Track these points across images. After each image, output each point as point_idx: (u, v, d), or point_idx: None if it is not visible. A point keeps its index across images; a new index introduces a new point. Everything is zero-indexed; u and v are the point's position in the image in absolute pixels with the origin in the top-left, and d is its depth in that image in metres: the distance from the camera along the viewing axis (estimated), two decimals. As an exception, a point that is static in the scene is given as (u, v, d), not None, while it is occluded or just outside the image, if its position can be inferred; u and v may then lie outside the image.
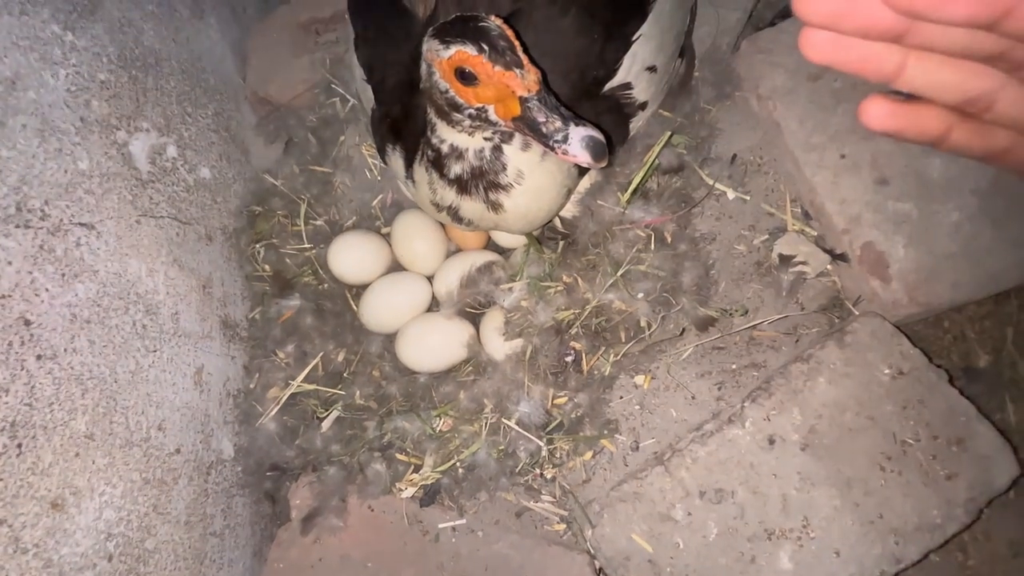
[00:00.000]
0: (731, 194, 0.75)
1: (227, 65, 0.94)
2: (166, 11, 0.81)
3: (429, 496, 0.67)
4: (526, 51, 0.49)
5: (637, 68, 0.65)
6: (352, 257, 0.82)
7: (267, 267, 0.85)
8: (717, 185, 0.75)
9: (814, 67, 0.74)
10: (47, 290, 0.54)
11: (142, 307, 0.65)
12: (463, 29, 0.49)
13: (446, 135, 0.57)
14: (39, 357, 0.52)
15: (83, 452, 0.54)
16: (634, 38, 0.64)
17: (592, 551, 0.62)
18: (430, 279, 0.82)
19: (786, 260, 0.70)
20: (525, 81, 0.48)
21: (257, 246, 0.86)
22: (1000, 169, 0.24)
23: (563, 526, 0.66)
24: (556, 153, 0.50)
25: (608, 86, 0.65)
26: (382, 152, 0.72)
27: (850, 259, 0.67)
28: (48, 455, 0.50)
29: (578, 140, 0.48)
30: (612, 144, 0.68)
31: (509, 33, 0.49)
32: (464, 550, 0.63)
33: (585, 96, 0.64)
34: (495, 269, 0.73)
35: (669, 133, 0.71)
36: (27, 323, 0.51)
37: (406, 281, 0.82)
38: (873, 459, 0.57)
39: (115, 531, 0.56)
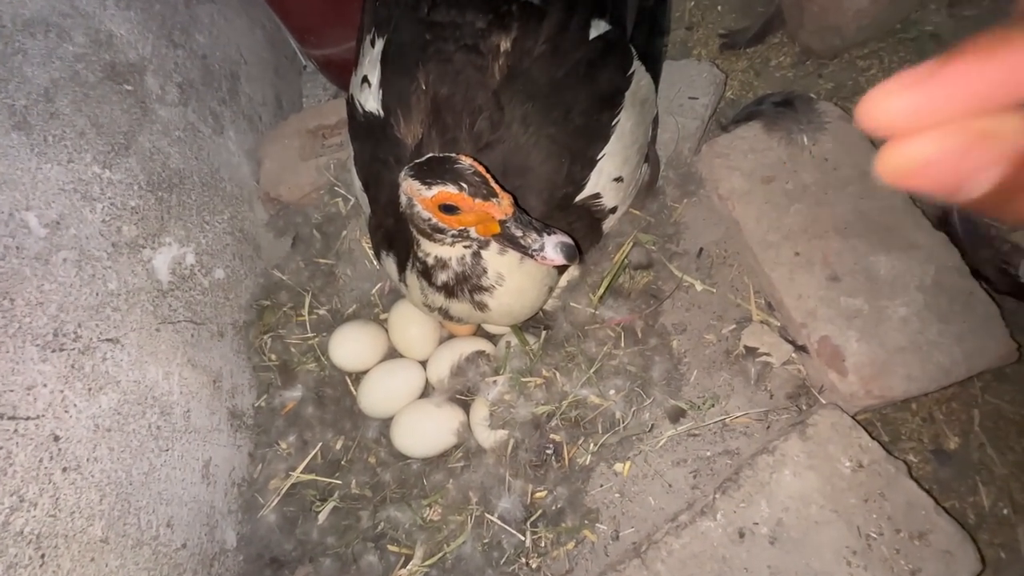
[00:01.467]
0: (699, 286, 0.81)
1: (243, 171, 1.05)
2: (190, 134, 0.92)
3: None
4: (496, 181, 0.57)
5: (604, 180, 0.73)
6: (351, 347, 0.88)
7: (273, 356, 0.92)
8: (685, 277, 0.81)
9: (768, 170, 0.82)
10: (75, 406, 0.60)
11: (157, 409, 0.71)
12: (441, 171, 0.57)
13: (430, 249, 0.64)
14: (64, 470, 0.58)
15: (98, 556, 0.58)
16: (599, 157, 0.72)
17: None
18: (425, 363, 0.88)
19: (752, 351, 0.75)
20: (501, 207, 0.56)
21: (264, 337, 0.93)
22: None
23: (549, 617, 0.68)
24: (536, 259, 0.57)
25: (579, 198, 0.73)
26: (377, 256, 0.80)
27: (810, 351, 0.71)
28: (67, 562, 0.55)
29: (552, 247, 0.56)
30: (584, 246, 0.75)
31: (480, 169, 0.57)
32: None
33: (558, 208, 0.71)
34: (481, 362, 0.78)
35: (632, 237, 0.77)
36: (56, 439, 0.58)
37: (402, 367, 0.88)
38: (839, 553, 0.60)
39: (123, 632, 0.60)
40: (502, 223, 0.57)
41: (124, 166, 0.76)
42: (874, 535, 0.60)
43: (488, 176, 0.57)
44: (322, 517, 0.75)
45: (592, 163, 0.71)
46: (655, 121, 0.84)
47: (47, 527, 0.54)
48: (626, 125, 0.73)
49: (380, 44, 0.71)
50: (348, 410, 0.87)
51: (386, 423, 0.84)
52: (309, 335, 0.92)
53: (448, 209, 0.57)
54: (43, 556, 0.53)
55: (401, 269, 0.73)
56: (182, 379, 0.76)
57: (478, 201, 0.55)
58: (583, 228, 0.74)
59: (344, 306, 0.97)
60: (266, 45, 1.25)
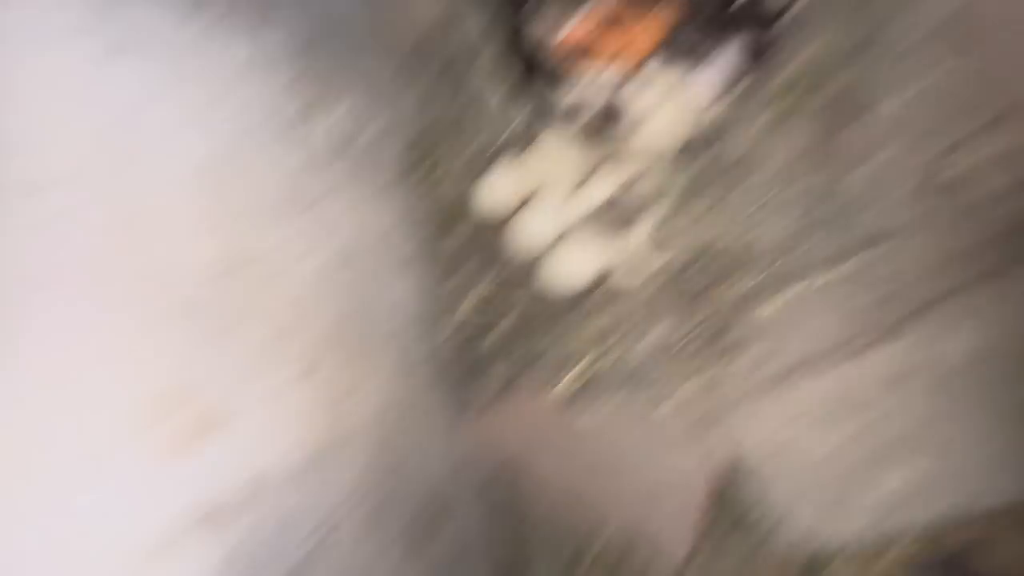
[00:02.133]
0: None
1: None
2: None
3: (574, 396, 0.87)
4: None
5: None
6: (500, 186, 0.93)
7: (433, 201, 1.01)
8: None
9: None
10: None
11: (352, 258, 0.87)
12: None
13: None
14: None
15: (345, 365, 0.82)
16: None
17: (717, 450, 0.76)
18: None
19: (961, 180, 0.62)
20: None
21: (428, 179, 1.01)
22: None
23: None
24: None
25: None
26: (518, 99, 0.75)
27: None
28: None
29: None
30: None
31: None
32: (604, 440, 0.84)
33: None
34: (633, 191, 0.77)
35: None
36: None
37: (549, 202, 0.90)
38: (1004, 408, 0.58)
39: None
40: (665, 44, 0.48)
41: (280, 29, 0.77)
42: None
43: None
44: (490, 342, 0.92)
45: None
46: None
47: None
48: None
49: None
50: (501, 249, 0.96)
51: (537, 260, 0.92)
52: (463, 178, 0.98)
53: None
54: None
55: (544, 115, 0.70)
56: (365, 229, 0.90)
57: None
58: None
59: (490, 143, 0.98)
60: None
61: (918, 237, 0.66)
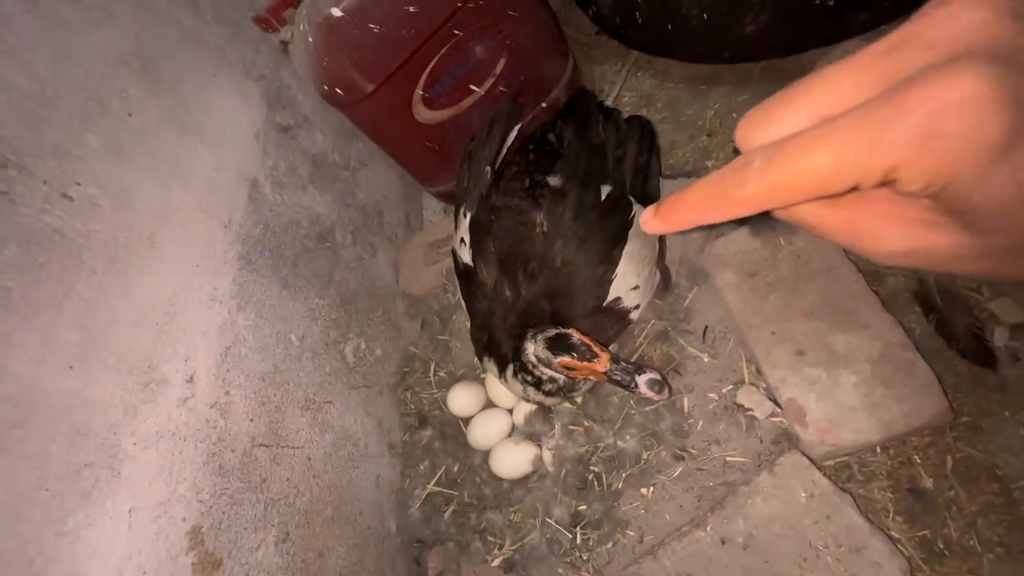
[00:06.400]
0: (705, 358, 1.08)
1: (388, 278, 1.56)
2: (359, 262, 1.44)
3: (508, 566, 1.06)
4: (599, 344, 0.89)
5: (624, 289, 1.06)
6: (462, 399, 1.30)
7: (412, 406, 1.37)
8: (692, 349, 1.09)
9: (752, 266, 1.08)
10: (316, 440, 1.09)
11: (351, 442, 1.18)
12: (562, 345, 0.90)
13: (551, 375, 1.00)
14: (315, 476, 1.05)
15: (330, 526, 1.05)
16: (613, 277, 1.05)
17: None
18: (511, 411, 1.26)
19: (742, 408, 1.00)
20: (601, 363, 0.88)
21: (406, 393, 1.39)
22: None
23: (596, 594, 1.00)
24: (635, 394, 0.89)
25: (605, 303, 1.06)
26: (480, 358, 1.19)
27: (782, 408, 0.95)
28: (317, 527, 1.02)
29: (644, 385, 0.86)
30: (616, 331, 1.08)
31: (587, 340, 0.92)
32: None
33: (593, 312, 1.05)
34: (545, 414, 1.14)
35: (652, 323, 1.08)
36: (309, 459, 1.06)
37: (495, 414, 1.27)
38: (794, 560, 0.83)
39: None
40: (606, 372, 0.86)
41: (328, 294, 1.28)
42: (821, 548, 0.82)
43: (592, 345, 0.90)
44: (447, 516, 1.15)
45: (610, 282, 1.05)
46: (662, 240, 1.14)
47: (308, 506, 1.02)
48: (632, 250, 1.06)
49: (468, 217, 1.14)
50: (461, 444, 1.28)
51: (485, 454, 1.23)
52: (435, 391, 1.36)
53: (569, 368, 0.90)
54: (308, 521, 1.00)
55: (501, 371, 1.11)
56: (363, 423, 1.24)
57: (584, 363, 0.88)
58: (614, 320, 1.08)
59: (456, 370, 1.40)
60: (398, 181, 1.79)
61: (731, 441, 1.01)
